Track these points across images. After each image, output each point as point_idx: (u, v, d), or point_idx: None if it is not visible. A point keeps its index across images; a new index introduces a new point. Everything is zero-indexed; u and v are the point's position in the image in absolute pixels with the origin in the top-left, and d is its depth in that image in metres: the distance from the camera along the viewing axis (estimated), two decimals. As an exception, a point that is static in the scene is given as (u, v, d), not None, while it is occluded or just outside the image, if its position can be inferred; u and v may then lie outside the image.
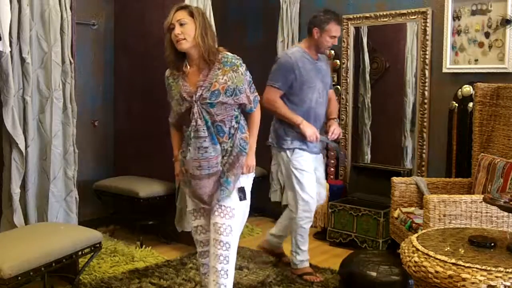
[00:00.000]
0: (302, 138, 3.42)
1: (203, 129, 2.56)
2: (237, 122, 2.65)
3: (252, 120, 2.74)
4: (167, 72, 2.72)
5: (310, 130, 3.39)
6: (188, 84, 2.60)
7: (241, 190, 2.66)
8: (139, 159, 4.54)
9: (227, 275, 2.58)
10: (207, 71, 2.57)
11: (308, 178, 3.46)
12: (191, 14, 2.57)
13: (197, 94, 2.55)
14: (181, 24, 2.55)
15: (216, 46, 2.65)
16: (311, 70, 3.44)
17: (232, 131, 2.63)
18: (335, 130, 3.54)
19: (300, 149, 3.45)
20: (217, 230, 2.59)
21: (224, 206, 2.60)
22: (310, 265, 3.64)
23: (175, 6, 2.62)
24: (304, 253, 3.56)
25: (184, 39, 2.55)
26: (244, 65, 2.64)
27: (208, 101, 2.54)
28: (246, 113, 2.73)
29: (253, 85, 2.69)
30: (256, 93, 2.72)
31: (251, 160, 2.70)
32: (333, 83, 4.39)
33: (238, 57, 2.64)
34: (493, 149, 3.39)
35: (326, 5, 4.54)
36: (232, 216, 2.60)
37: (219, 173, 2.60)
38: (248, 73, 2.66)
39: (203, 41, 2.55)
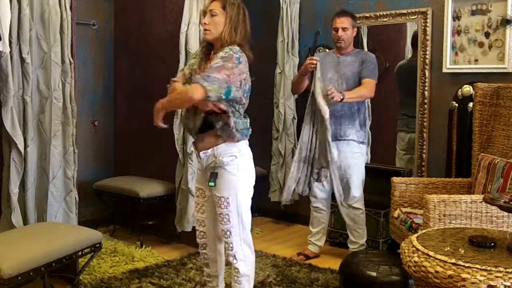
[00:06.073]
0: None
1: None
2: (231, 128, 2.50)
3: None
4: (198, 49, 2.73)
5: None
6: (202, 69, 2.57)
7: (213, 175, 2.57)
8: (139, 159, 4.54)
9: (236, 259, 2.65)
10: None
11: None
12: (223, 7, 2.48)
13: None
14: (212, 15, 2.48)
15: (244, 43, 2.52)
16: (328, 64, 3.78)
17: (221, 123, 2.50)
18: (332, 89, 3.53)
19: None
20: (217, 219, 2.68)
21: (218, 196, 2.61)
22: (310, 264, 3.74)
23: None
24: None
25: (209, 30, 2.49)
26: (230, 52, 2.42)
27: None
28: None
29: (219, 69, 2.37)
30: (215, 75, 2.35)
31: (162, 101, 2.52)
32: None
33: (234, 48, 2.46)
34: (493, 149, 3.38)
35: (326, 5, 4.55)
36: (227, 205, 2.60)
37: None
38: (228, 59, 2.40)
39: (230, 37, 2.47)
